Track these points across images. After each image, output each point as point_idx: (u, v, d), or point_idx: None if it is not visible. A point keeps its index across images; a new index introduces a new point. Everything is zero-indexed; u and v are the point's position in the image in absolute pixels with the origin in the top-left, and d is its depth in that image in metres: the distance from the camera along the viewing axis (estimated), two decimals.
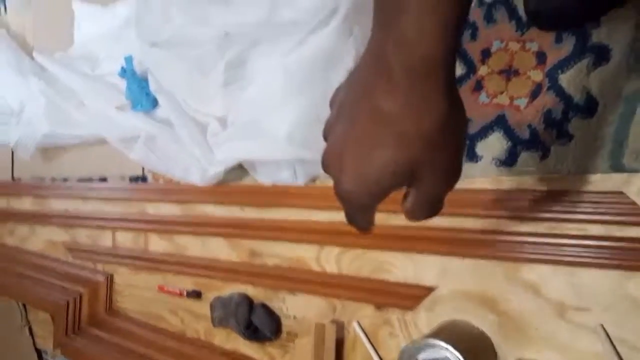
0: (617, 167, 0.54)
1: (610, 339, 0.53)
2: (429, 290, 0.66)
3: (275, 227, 0.84)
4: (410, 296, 0.68)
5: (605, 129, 0.54)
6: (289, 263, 0.83)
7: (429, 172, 0.29)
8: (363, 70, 0.29)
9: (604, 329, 0.54)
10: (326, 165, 0.32)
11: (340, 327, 0.75)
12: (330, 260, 0.77)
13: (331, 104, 0.34)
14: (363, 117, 0.28)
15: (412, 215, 0.31)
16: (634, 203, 0.52)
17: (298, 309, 0.81)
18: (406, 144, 0.27)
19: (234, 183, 0.90)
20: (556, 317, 0.57)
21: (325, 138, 0.33)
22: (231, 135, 0.83)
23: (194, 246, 1.00)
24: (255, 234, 0.87)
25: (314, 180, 0.80)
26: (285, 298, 0.83)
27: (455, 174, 0.31)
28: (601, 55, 0.54)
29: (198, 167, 0.89)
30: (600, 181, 0.54)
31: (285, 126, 0.71)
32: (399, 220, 0.68)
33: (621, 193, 0.53)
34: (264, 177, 0.84)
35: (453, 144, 0.29)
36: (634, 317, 0.52)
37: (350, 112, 0.30)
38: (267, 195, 0.85)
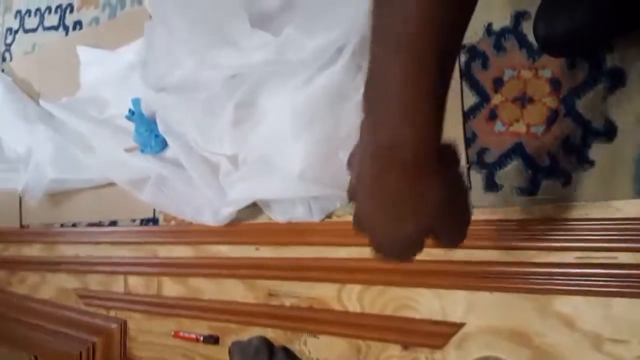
0: None
1: None
2: (458, 326, 0.66)
3: (293, 266, 0.85)
4: (438, 334, 0.68)
5: (626, 153, 0.55)
6: (309, 303, 0.83)
7: (444, 228, 0.37)
8: (370, 158, 0.35)
9: None
10: (358, 226, 0.39)
11: None
12: (352, 298, 0.77)
13: (348, 165, 0.40)
14: (384, 197, 0.35)
15: (445, 249, 0.39)
16: None
17: (321, 351, 0.80)
18: (420, 218, 0.35)
19: (247, 222, 0.91)
20: (593, 350, 0.56)
21: (351, 198, 0.39)
22: (243, 174, 0.84)
23: (209, 289, 1.00)
24: (272, 274, 0.88)
25: (329, 216, 0.81)
26: (307, 340, 0.82)
27: (465, 221, 0.39)
28: (617, 79, 0.55)
29: (210, 207, 0.91)
30: (626, 207, 0.55)
31: (297, 164, 0.72)
32: (421, 255, 0.68)
33: None
34: (278, 215, 0.85)
35: (456, 202, 0.37)
36: None
37: (371, 188, 0.36)
38: (282, 234, 0.85)
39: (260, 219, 0.90)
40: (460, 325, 0.66)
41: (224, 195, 0.87)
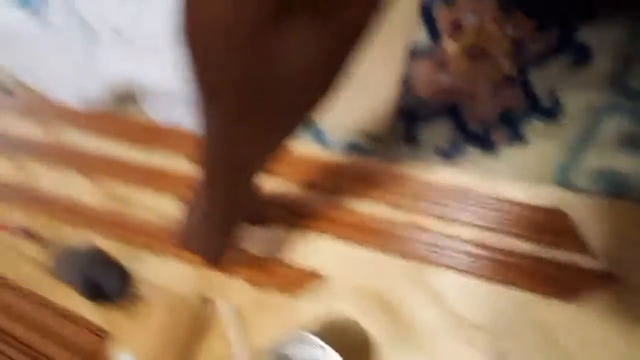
0: (565, 183, 0.49)
1: None
2: (319, 277, 0.58)
3: (156, 174, 0.71)
4: (295, 281, 0.59)
5: (563, 140, 0.50)
6: (162, 220, 0.69)
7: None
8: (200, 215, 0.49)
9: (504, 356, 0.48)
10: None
11: (205, 303, 0.63)
12: None
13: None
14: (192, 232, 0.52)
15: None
16: (573, 226, 0.48)
17: (160, 274, 0.67)
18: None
19: (115, 111, 0.76)
20: (453, 333, 0.51)
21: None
22: (126, 49, 0.68)
23: (49, 178, 0.82)
24: (127, 177, 0.73)
25: None
26: (147, 259, 0.69)
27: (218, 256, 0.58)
28: (582, 57, 0.49)
29: (77, 84, 0.74)
30: (541, 195, 0.50)
31: None
32: (296, 195, 0.59)
33: (563, 213, 0.48)
34: (155, 112, 0.71)
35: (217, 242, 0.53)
36: (539, 347, 0.47)
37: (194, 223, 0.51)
38: (152, 134, 0.71)
39: (133, 112, 0.75)
40: (322, 277, 0.58)
41: (97, 70, 0.70)
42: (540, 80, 0.51)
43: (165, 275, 0.67)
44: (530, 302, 0.49)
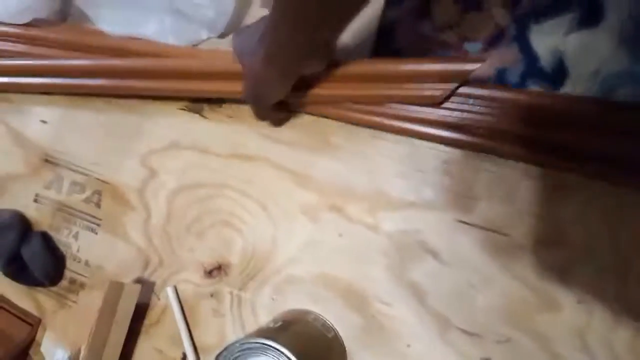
0: None
1: None
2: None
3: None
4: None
5: None
6: (97, 187, 0.64)
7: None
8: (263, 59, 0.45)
9: None
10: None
11: (148, 290, 0.59)
12: (160, 196, 0.60)
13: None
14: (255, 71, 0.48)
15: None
16: None
17: (96, 252, 0.62)
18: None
19: (52, 23, 0.68)
20: (437, 335, 0.48)
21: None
22: None
23: None
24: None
25: (195, 44, 0.61)
26: (80, 233, 0.64)
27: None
28: (591, 13, 0.44)
29: None
30: None
31: None
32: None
33: None
34: (111, 26, 0.61)
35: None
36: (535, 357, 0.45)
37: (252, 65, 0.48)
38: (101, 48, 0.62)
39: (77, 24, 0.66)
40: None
41: None
42: (542, 38, 0.46)
43: (102, 253, 0.62)
44: (526, 301, 0.46)
